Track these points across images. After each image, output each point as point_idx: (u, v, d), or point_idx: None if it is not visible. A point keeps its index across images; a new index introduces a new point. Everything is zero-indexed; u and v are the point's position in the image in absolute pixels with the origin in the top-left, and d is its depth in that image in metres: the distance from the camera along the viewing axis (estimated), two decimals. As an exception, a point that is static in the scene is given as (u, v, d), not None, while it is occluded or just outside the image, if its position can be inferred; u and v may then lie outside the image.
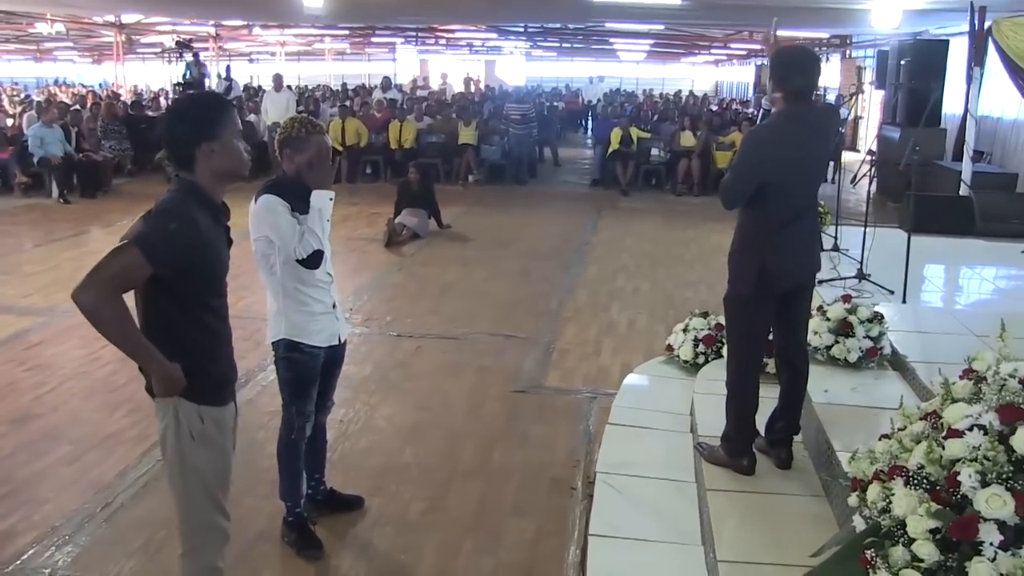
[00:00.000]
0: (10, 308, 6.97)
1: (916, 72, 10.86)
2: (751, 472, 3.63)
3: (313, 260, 3.31)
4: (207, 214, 2.48)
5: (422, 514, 3.91)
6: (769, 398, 3.73)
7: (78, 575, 3.39)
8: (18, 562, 3.46)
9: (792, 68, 3.45)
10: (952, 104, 11.64)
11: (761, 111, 4.82)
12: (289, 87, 16.89)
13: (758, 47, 22.52)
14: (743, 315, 3.60)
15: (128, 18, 20.57)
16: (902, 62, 11.53)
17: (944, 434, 2.50)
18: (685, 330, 5.25)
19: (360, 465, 4.37)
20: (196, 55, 17.50)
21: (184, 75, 17.17)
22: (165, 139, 2.55)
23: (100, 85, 26.31)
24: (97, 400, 5.12)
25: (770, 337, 3.73)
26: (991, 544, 2.21)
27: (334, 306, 3.51)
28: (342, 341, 3.59)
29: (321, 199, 3.32)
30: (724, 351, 4.33)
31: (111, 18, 20.45)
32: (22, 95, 21.57)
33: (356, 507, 3.91)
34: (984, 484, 2.30)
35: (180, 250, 2.38)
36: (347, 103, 16.38)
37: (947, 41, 11.94)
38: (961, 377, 2.77)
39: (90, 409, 5.00)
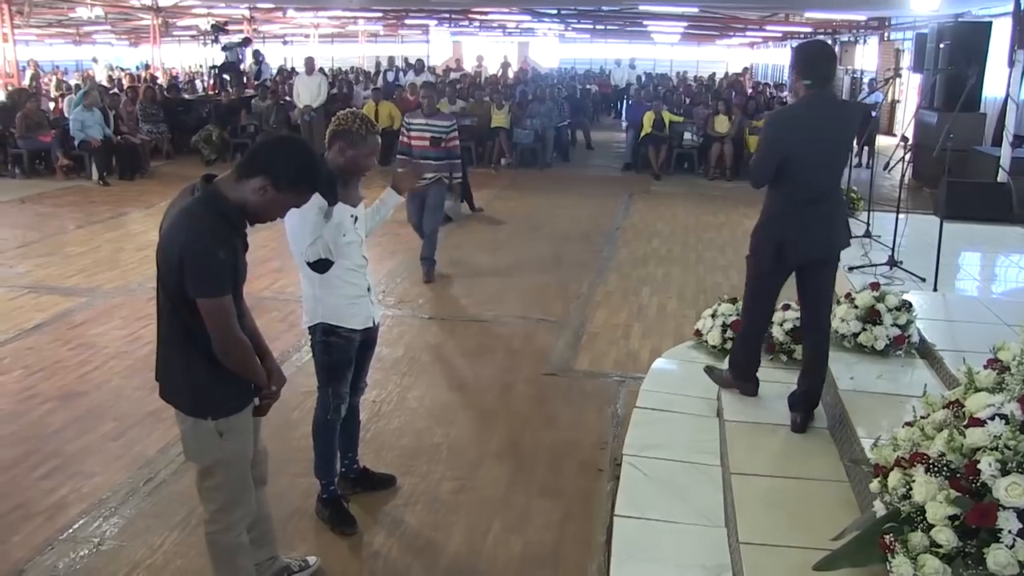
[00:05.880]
0: (54, 288, 7.18)
1: (955, 55, 10.67)
2: (754, 394, 4.18)
3: (318, 266, 3.36)
4: (231, 227, 2.58)
5: (452, 493, 4.01)
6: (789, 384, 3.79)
7: (124, 545, 3.53)
8: (70, 531, 3.63)
9: (811, 58, 3.81)
10: (993, 88, 11.45)
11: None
12: (322, 70, 16.98)
13: (795, 30, 22.22)
14: (759, 278, 4.02)
15: (164, 1, 20.79)
16: (941, 45, 11.33)
17: (966, 423, 2.54)
18: (713, 315, 5.28)
19: (392, 445, 4.47)
20: (248, 42, 17.80)
21: (225, 56, 17.41)
22: (263, 144, 2.68)
23: (136, 67, 26.66)
24: (139, 379, 5.26)
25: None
26: (1009, 532, 2.26)
27: (369, 289, 3.60)
28: (376, 324, 3.69)
29: (342, 214, 3.32)
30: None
31: (148, 1, 20.68)
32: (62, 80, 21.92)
33: (388, 485, 4.02)
34: (1004, 473, 2.34)
35: (231, 269, 2.54)
36: (378, 86, 16.46)
37: (989, 23, 11.71)
38: (985, 367, 2.80)
39: (132, 387, 5.15)
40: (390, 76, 19.56)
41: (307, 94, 14.09)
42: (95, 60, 27.66)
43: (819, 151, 3.75)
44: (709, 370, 4.57)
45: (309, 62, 14.82)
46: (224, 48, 17.47)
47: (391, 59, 21.90)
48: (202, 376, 2.63)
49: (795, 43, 27.59)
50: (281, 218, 2.73)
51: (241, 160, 2.61)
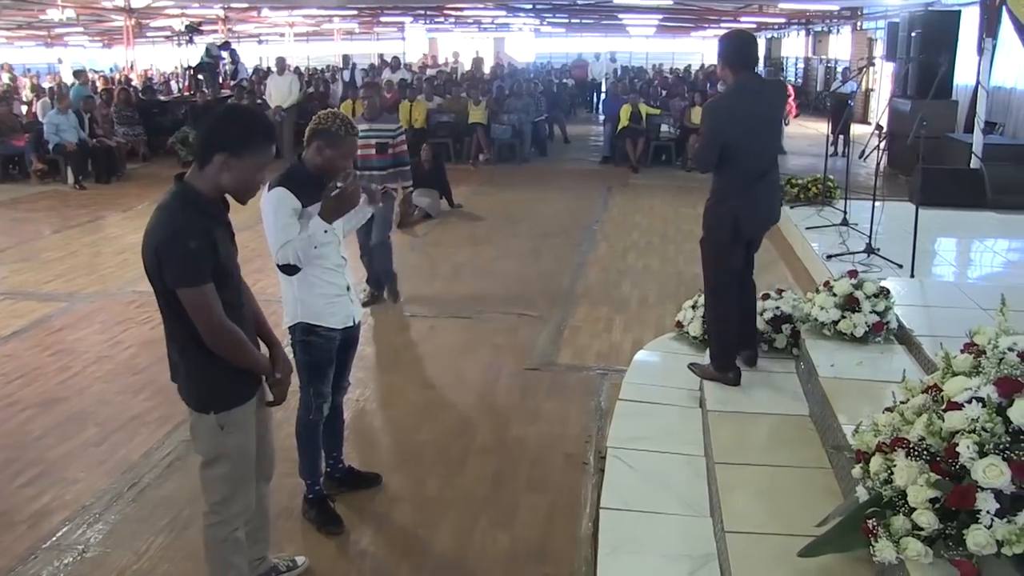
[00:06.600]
0: (31, 294, 7.11)
1: (927, 44, 10.79)
2: (737, 383, 4.27)
3: (286, 269, 3.36)
4: (207, 217, 2.57)
5: (438, 490, 4.01)
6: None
7: (109, 552, 3.51)
8: (53, 539, 3.60)
9: (733, 47, 4.15)
10: (964, 75, 11.56)
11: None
12: (297, 69, 16.85)
13: (769, 20, 22.33)
14: (719, 255, 4.27)
15: (137, 2, 20.56)
16: (913, 34, 11.44)
17: (944, 407, 2.57)
18: (694, 307, 5.31)
19: (377, 443, 4.47)
20: (227, 45, 17.70)
21: (202, 57, 17.27)
22: (203, 127, 2.67)
23: (110, 70, 26.38)
24: (120, 383, 5.24)
25: None
26: (988, 512, 2.29)
27: (348, 288, 3.59)
28: (357, 322, 3.68)
29: (316, 227, 3.27)
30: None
31: (120, 2, 20.46)
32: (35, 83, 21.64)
33: (374, 484, 4.01)
34: (982, 454, 2.37)
35: (208, 259, 2.53)
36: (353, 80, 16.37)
37: (959, 12, 11.84)
38: (962, 351, 2.84)
39: (113, 392, 5.12)
40: (346, 76, 19.13)
41: (279, 95, 13.98)
42: (60, 61, 27.36)
43: (754, 135, 4.12)
44: (692, 366, 4.63)
45: (280, 62, 14.74)
46: (208, 53, 17.30)
47: (346, 57, 21.38)
48: (204, 370, 2.64)
49: (770, 35, 27.69)
50: (262, 183, 2.72)
51: (196, 149, 2.62)
